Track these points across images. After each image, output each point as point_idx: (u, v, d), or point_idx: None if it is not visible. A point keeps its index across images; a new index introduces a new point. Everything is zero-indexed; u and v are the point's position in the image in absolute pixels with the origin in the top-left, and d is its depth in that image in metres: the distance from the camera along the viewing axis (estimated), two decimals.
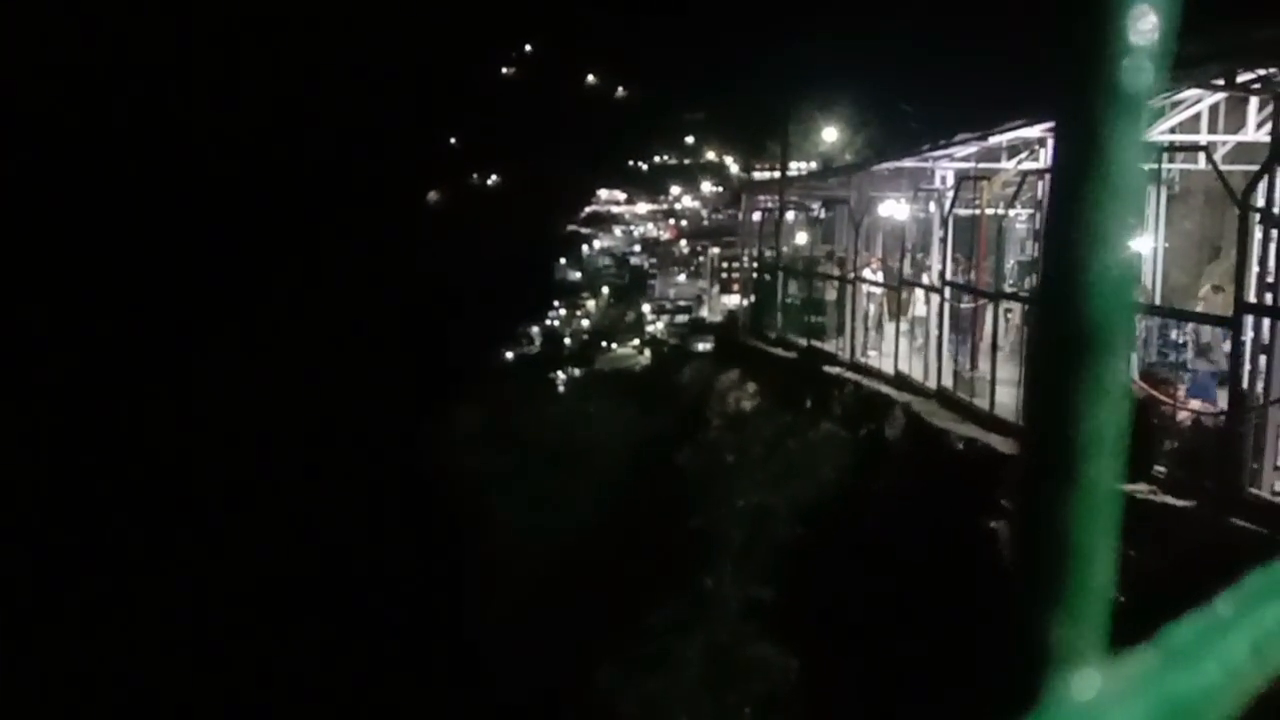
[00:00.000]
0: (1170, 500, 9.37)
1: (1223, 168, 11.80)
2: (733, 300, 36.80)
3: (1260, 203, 9.46)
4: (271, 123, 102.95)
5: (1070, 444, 0.48)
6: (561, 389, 55.03)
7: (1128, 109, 0.46)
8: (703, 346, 35.12)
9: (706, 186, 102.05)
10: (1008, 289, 15.02)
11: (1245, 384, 9.45)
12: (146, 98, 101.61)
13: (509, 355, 77.71)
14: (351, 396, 60.18)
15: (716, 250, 57.16)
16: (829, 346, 19.63)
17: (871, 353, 18.16)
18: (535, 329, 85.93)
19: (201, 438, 51.43)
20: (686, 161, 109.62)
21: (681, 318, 64.68)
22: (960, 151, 17.09)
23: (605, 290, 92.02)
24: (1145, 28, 0.46)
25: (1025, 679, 0.46)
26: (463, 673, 26.01)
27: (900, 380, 16.06)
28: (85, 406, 56.47)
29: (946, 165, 17.86)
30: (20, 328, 66.22)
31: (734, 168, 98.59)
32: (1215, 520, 8.89)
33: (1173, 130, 14.25)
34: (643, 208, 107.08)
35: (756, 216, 27.36)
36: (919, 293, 17.49)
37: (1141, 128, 0.47)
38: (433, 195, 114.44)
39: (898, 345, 16.76)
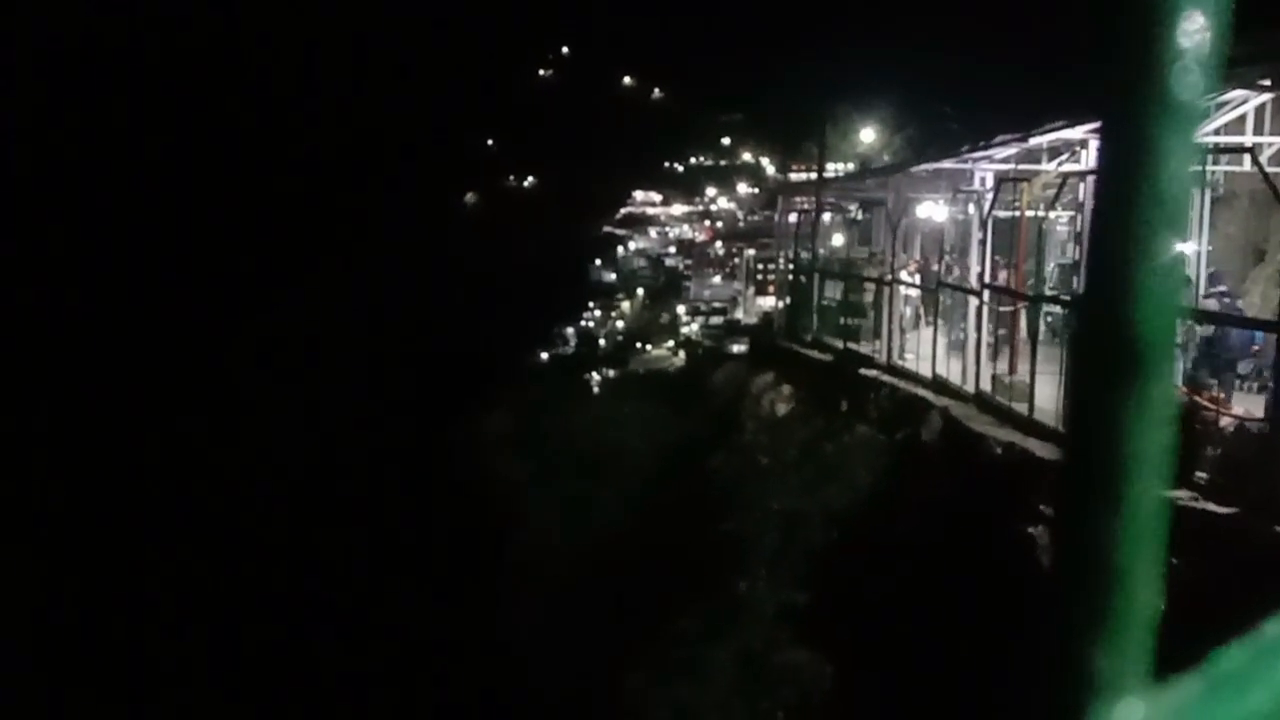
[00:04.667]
0: (1213, 507, 9.22)
1: (1269, 170, 11.59)
2: (768, 302, 36.65)
3: None
4: (310, 124, 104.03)
5: (1113, 461, 0.46)
6: (596, 390, 55.11)
7: (1176, 112, 0.44)
8: (738, 348, 35.03)
9: (742, 188, 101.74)
10: (1048, 292, 14.85)
11: None
12: (189, 98, 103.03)
13: (544, 356, 77.97)
14: (385, 397, 60.64)
15: (752, 252, 56.91)
16: (865, 349, 19.51)
17: (909, 355, 18.01)
18: (570, 330, 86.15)
19: (233, 437, 51.99)
20: (722, 163, 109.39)
21: (716, 319, 64.47)
22: (1000, 153, 16.92)
23: (640, 291, 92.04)
24: (1194, 30, 0.44)
25: (1066, 708, 0.44)
26: (494, 676, 26.09)
27: (938, 383, 15.92)
28: (111, 402, 57.26)
29: (986, 167, 17.70)
30: (55, 323, 67.36)
31: (770, 169, 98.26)
32: (1258, 528, 8.73)
33: (1218, 132, 14.02)
34: (678, 209, 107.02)
35: (793, 218, 27.25)
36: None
37: (1190, 132, 0.45)
38: (469, 197, 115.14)
39: (935, 348, 16.61)
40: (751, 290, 46.14)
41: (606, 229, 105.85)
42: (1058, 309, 14.44)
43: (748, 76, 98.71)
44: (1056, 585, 0.46)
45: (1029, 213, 15.01)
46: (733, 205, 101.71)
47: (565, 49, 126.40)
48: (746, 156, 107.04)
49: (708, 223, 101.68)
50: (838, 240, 25.26)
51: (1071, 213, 16.28)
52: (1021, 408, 13.07)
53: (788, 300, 26.46)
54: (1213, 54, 0.45)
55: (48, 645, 30.10)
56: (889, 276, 19.22)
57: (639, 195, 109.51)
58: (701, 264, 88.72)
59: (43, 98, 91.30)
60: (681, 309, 79.21)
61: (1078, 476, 0.47)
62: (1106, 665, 0.44)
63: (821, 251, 24.32)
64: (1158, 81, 0.44)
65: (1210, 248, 15.20)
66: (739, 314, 47.39)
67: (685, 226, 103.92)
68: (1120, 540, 0.45)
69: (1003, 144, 16.45)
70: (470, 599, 30.86)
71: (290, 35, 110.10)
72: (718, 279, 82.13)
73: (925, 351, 16.94)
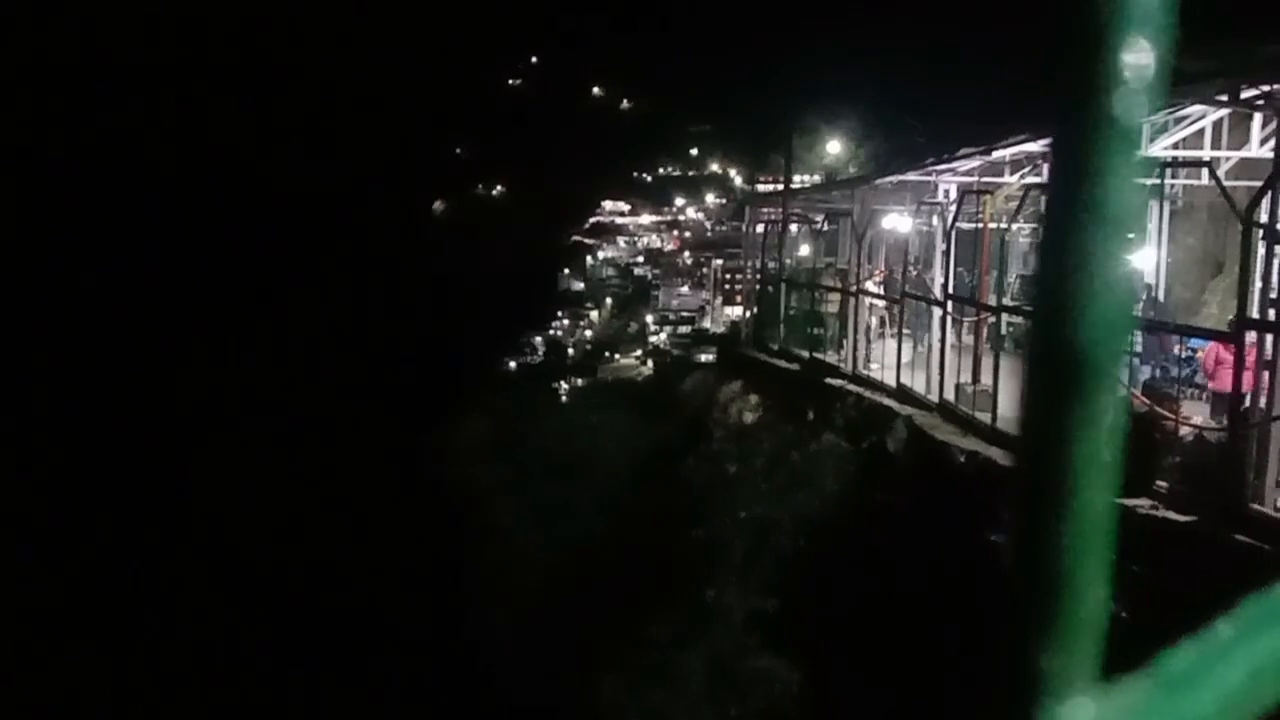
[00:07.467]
0: (1172, 515, 9.34)
1: (1226, 183, 11.80)
2: (735, 312, 36.82)
3: (1263, 218, 9.46)
4: (278, 132, 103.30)
5: (1064, 469, 0.48)
6: (564, 399, 55.03)
7: (1121, 133, 0.46)
8: (705, 358, 35.13)
9: (710, 198, 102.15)
10: (1010, 302, 15.03)
11: (1246, 400, 9.43)
12: (161, 105, 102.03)
13: (512, 365, 77.75)
14: (355, 405, 60.20)
15: (720, 262, 57.19)
16: (831, 358, 19.63)
17: (874, 365, 18.14)
18: (539, 339, 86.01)
19: (203, 443, 51.46)
20: (691, 173, 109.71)
21: (684, 329, 64.83)
22: (963, 165, 17.11)
23: (609, 301, 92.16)
24: (1139, 52, 0.46)
25: (1017, 708, 0.45)
26: (465, 683, 25.95)
27: (902, 393, 16.04)
28: (90, 408, 56.61)
29: (950, 179, 17.89)
30: (31, 328, 66.48)
31: (738, 180, 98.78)
32: (1216, 536, 8.86)
33: (1176, 145, 14.27)
34: (646, 219, 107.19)
35: (760, 228, 27.37)
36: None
37: (1135, 151, 0.46)
38: (438, 205, 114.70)
39: (899, 357, 16.75)
40: (719, 300, 46.35)
41: (575, 238, 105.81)
42: (1020, 319, 14.61)
43: (716, 88, 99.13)
44: (1010, 588, 0.47)
45: (992, 224, 15.19)
46: (701, 215, 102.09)
47: (534, 58, 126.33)
48: (715, 167, 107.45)
49: (676, 232, 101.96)
50: (804, 251, 25.40)
51: (1033, 224, 16.51)
52: (985, 417, 13.20)
53: (755, 310, 26.57)
54: (1159, 73, 0.47)
55: (40, 651, 29.72)
56: (853, 287, 19.36)
57: (607, 204, 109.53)
58: (670, 273, 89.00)
59: None
60: (650, 318, 79.48)
61: (1030, 483, 0.48)
62: (1057, 666, 0.45)
63: (788, 262, 24.46)
64: (1105, 99, 0.46)
65: (1169, 260, 15.45)
66: (707, 323, 47.57)
67: (654, 236, 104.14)
68: (1070, 545, 0.46)
69: (966, 157, 16.64)
70: (438, 599, 30.69)
71: (259, 45, 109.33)
72: (686, 288, 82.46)
73: (890, 361, 17.07)
